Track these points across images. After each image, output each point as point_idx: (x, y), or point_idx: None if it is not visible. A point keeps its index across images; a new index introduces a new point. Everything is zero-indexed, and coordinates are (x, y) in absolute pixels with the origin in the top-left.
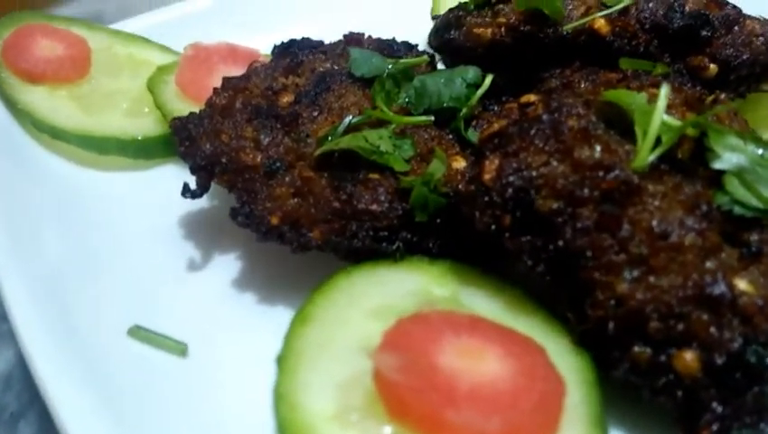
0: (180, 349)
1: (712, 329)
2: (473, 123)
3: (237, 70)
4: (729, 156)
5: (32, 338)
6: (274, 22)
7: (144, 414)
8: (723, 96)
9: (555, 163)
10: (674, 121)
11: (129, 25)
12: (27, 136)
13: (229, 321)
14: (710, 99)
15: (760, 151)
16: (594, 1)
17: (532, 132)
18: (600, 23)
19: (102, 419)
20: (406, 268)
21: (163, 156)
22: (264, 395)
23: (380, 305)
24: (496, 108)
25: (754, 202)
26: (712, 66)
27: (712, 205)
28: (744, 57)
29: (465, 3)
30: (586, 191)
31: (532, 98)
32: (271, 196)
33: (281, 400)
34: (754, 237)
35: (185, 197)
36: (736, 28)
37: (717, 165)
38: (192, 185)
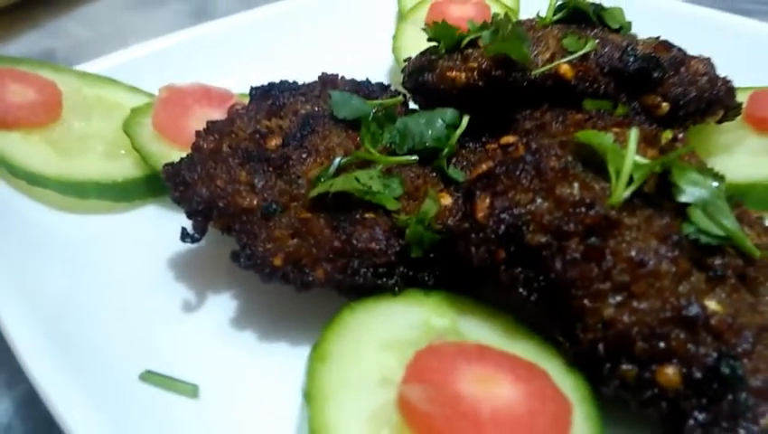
0: (191, 391)
1: (689, 346)
2: (453, 160)
3: (211, 111)
4: (692, 190)
5: (45, 376)
6: (235, 62)
7: None
8: (681, 135)
9: (540, 200)
10: (643, 160)
11: (92, 66)
12: (2, 183)
13: (233, 358)
14: (667, 135)
15: (716, 184)
16: (556, 47)
17: (517, 172)
18: (565, 69)
19: None
20: (404, 300)
21: (143, 197)
22: (278, 430)
23: (388, 338)
24: (473, 146)
25: (716, 230)
26: (664, 104)
27: (681, 235)
28: (692, 95)
29: (435, 47)
30: (572, 225)
31: (511, 139)
32: (271, 238)
33: (317, 433)
34: (718, 261)
35: (185, 242)
36: (683, 69)
37: (683, 199)
38: (180, 227)
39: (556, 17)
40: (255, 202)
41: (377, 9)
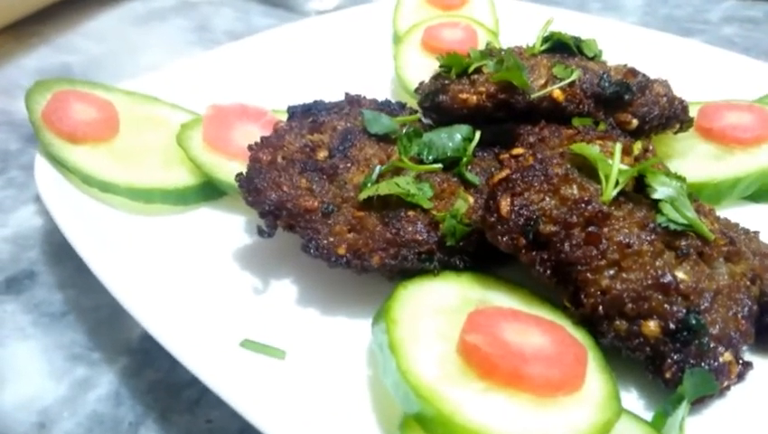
0: (281, 354)
1: (665, 305)
2: (468, 167)
3: (250, 125)
4: (662, 189)
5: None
6: (243, 82)
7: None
8: (651, 147)
9: (549, 198)
10: (625, 167)
11: (130, 85)
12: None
13: (306, 328)
14: (638, 146)
15: (680, 184)
16: (548, 75)
17: (530, 177)
18: (557, 93)
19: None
20: (443, 279)
21: (198, 201)
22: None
23: (437, 306)
24: (484, 154)
25: (682, 220)
26: (634, 120)
27: (655, 223)
28: (655, 112)
29: (446, 71)
30: (574, 218)
31: (520, 150)
32: (332, 232)
33: (405, 374)
34: (684, 243)
35: (262, 237)
36: (648, 91)
37: (655, 196)
38: (255, 225)
39: (543, 47)
40: (315, 204)
41: (370, 31)
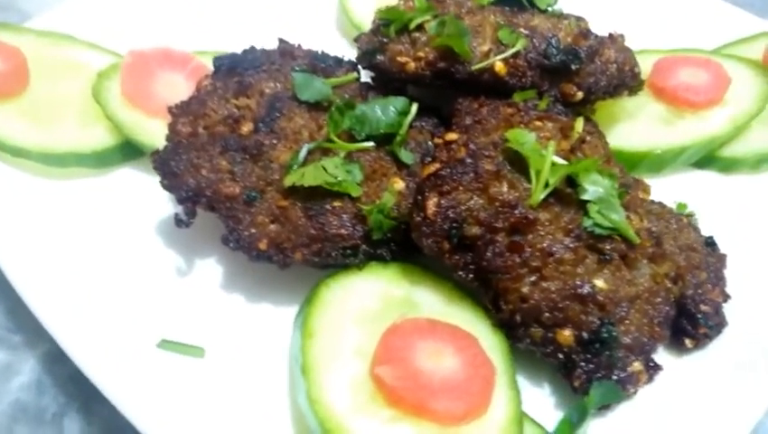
0: (200, 352)
1: (581, 316)
2: (406, 142)
3: (174, 74)
4: (592, 190)
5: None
6: (177, 15)
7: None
8: (588, 138)
9: (476, 198)
10: (559, 160)
11: (41, 23)
12: None
13: (227, 319)
14: (579, 126)
15: (610, 183)
16: (493, 39)
17: (459, 173)
18: (499, 66)
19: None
20: (368, 273)
21: (119, 162)
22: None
23: (358, 311)
24: (423, 125)
25: (607, 223)
26: (579, 93)
27: (581, 227)
28: (602, 83)
29: (384, 26)
30: (500, 223)
31: (454, 136)
32: (254, 223)
33: (314, 403)
34: (608, 247)
35: (180, 227)
36: (597, 58)
37: (584, 197)
38: (172, 209)
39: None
40: (237, 190)
41: None
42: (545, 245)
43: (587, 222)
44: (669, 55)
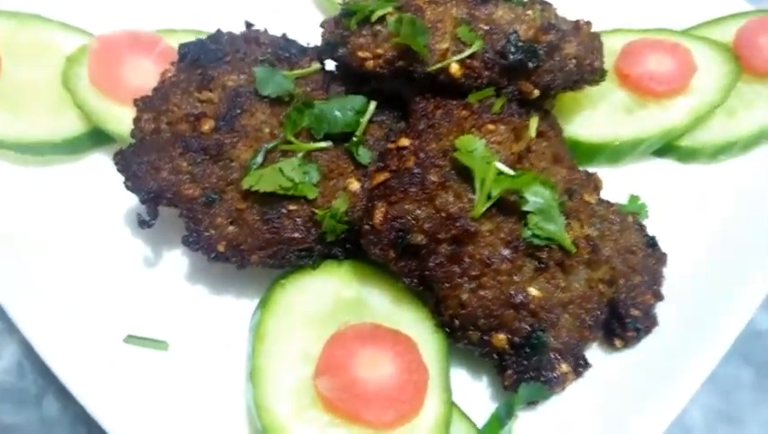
0: (164, 346)
1: (515, 322)
2: (365, 139)
3: (142, 58)
4: (533, 201)
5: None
6: None
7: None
8: (541, 139)
9: (422, 209)
10: (505, 169)
11: (10, 4)
12: None
13: (190, 311)
14: (534, 125)
15: (551, 195)
16: (451, 36)
17: (406, 184)
18: (454, 68)
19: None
20: (321, 273)
21: (91, 148)
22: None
23: (309, 314)
24: (383, 119)
25: (545, 234)
26: (535, 91)
27: (519, 241)
28: (559, 81)
29: (347, 18)
30: (442, 234)
31: (406, 142)
32: (213, 225)
33: (259, 408)
34: (545, 255)
35: (142, 228)
36: (556, 54)
37: (525, 208)
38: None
39: None
40: (197, 192)
41: None
42: (484, 255)
43: (527, 233)
44: (638, 39)
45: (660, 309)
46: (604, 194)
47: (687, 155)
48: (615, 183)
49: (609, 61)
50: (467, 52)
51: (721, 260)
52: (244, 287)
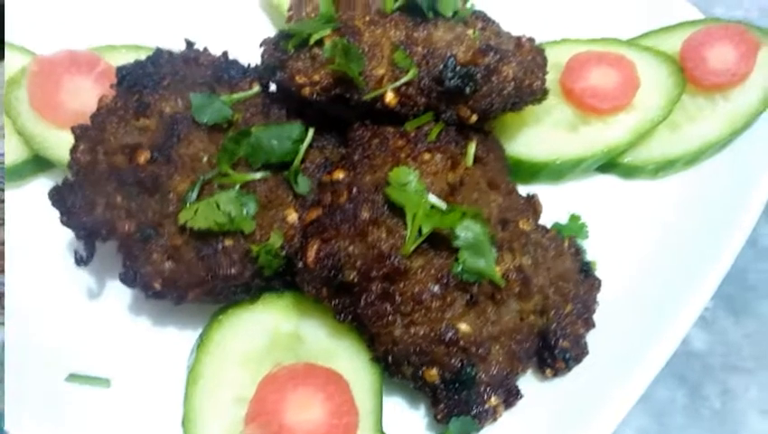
0: (106, 383)
1: (445, 358)
2: (304, 166)
3: (81, 79)
4: (464, 236)
5: None
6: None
7: None
8: (470, 177)
9: (354, 246)
10: (438, 202)
11: None
12: None
13: (133, 345)
14: (471, 151)
15: (482, 230)
16: (388, 62)
17: (338, 221)
18: (389, 97)
19: None
20: (259, 307)
21: (34, 174)
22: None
23: (245, 352)
24: (324, 144)
25: (475, 269)
26: (474, 116)
27: (450, 276)
28: (496, 105)
29: (285, 39)
30: (374, 272)
31: (341, 175)
32: (149, 260)
33: None
34: (475, 290)
35: (79, 265)
36: (494, 77)
37: (456, 244)
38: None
39: (397, 4)
40: (132, 227)
41: None
42: (415, 292)
43: (457, 268)
44: (583, 52)
45: (594, 331)
46: (545, 213)
47: (629, 172)
48: (557, 201)
49: (554, 75)
50: (402, 81)
51: (656, 279)
52: (190, 317)
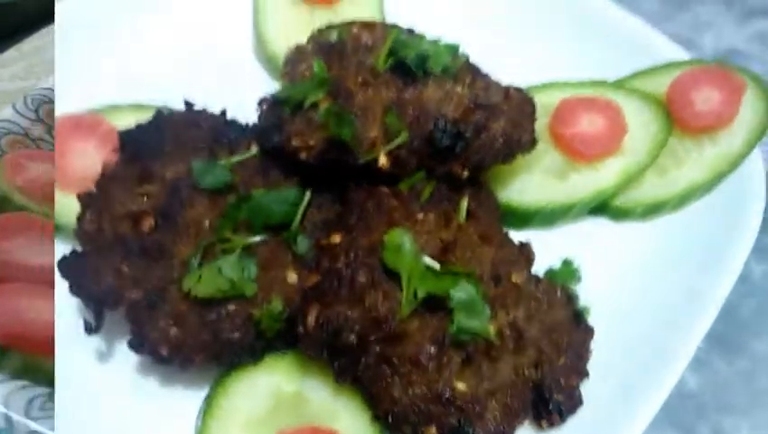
0: None
1: (443, 417)
2: (303, 227)
3: (85, 144)
4: (458, 297)
5: None
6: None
7: None
8: (462, 235)
9: (352, 310)
10: (431, 263)
11: None
12: None
13: (141, 408)
14: (464, 207)
15: (475, 289)
16: (380, 124)
17: (336, 286)
18: (382, 161)
19: None
20: (263, 369)
21: None
22: None
23: (251, 416)
24: (322, 203)
25: (470, 330)
26: (465, 172)
27: (445, 336)
28: (487, 160)
29: (280, 103)
30: (372, 336)
31: (338, 238)
32: (156, 327)
33: None
34: (471, 348)
35: (88, 334)
36: (484, 134)
37: (451, 305)
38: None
39: (387, 64)
40: (139, 295)
41: None
42: (412, 353)
43: (452, 328)
44: (571, 96)
45: (588, 379)
46: (538, 257)
47: (619, 215)
48: (549, 244)
49: (544, 120)
50: (394, 144)
51: (649, 321)
52: (197, 377)
